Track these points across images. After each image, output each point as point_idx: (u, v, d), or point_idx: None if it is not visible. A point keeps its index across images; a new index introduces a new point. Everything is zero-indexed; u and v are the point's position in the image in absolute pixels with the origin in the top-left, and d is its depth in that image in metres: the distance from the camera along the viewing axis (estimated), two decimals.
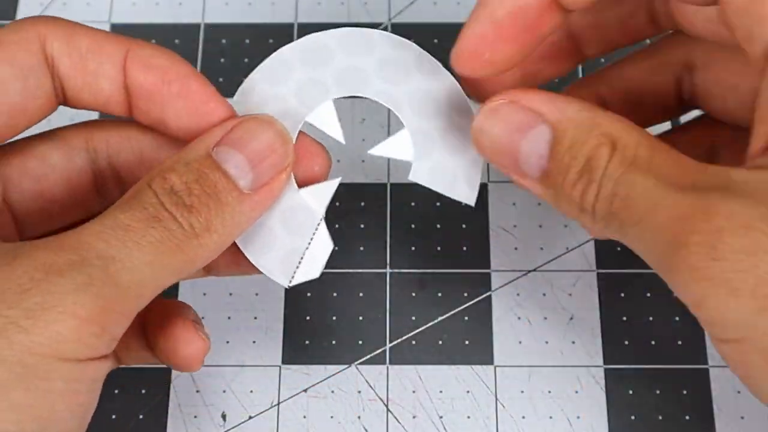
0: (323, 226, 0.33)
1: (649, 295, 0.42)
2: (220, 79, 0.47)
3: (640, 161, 0.30)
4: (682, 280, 0.28)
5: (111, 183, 0.36)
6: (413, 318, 0.42)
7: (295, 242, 0.33)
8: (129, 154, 0.36)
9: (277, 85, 0.34)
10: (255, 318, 0.42)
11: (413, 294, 0.43)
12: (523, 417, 0.40)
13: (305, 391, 0.41)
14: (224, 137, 0.32)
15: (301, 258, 0.33)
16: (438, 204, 0.44)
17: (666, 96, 0.38)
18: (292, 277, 0.33)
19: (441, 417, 0.40)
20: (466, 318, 0.42)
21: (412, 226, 0.44)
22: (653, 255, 0.29)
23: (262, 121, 0.33)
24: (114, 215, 0.30)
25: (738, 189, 0.28)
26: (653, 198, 0.29)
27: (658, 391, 0.41)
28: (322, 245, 0.33)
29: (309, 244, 0.33)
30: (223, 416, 0.41)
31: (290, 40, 0.48)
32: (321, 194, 0.34)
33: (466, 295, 0.42)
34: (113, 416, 0.41)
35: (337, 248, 0.37)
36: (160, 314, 0.35)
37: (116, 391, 0.41)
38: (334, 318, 0.42)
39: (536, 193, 0.32)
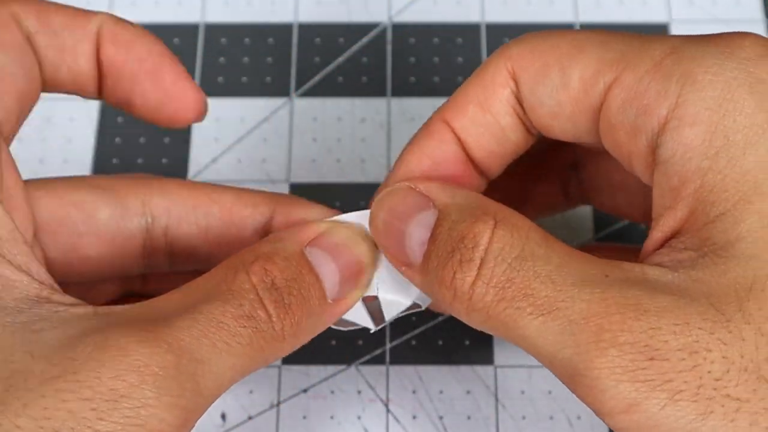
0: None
1: None
2: (220, 79, 0.47)
3: (535, 247, 0.28)
4: (607, 384, 0.25)
5: (161, 252, 0.34)
6: (413, 318, 0.42)
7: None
8: (192, 226, 0.33)
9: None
10: None
11: None
12: (523, 417, 0.40)
13: (305, 391, 0.41)
14: (318, 238, 0.30)
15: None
16: None
17: (552, 196, 0.37)
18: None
19: (441, 417, 0.40)
20: None
21: None
22: (562, 353, 0.26)
23: (357, 234, 0.31)
24: (208, 310, 0.27)
25: (659, 285, 0.27)
26: (562, 289, 0.27)
27: None
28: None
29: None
30: (223, 416, 0.41)
31: (290, 39, 0.48)
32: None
33: None
34: None
35: None
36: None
37: None
38: None
39: (418, 285, 0.30)
